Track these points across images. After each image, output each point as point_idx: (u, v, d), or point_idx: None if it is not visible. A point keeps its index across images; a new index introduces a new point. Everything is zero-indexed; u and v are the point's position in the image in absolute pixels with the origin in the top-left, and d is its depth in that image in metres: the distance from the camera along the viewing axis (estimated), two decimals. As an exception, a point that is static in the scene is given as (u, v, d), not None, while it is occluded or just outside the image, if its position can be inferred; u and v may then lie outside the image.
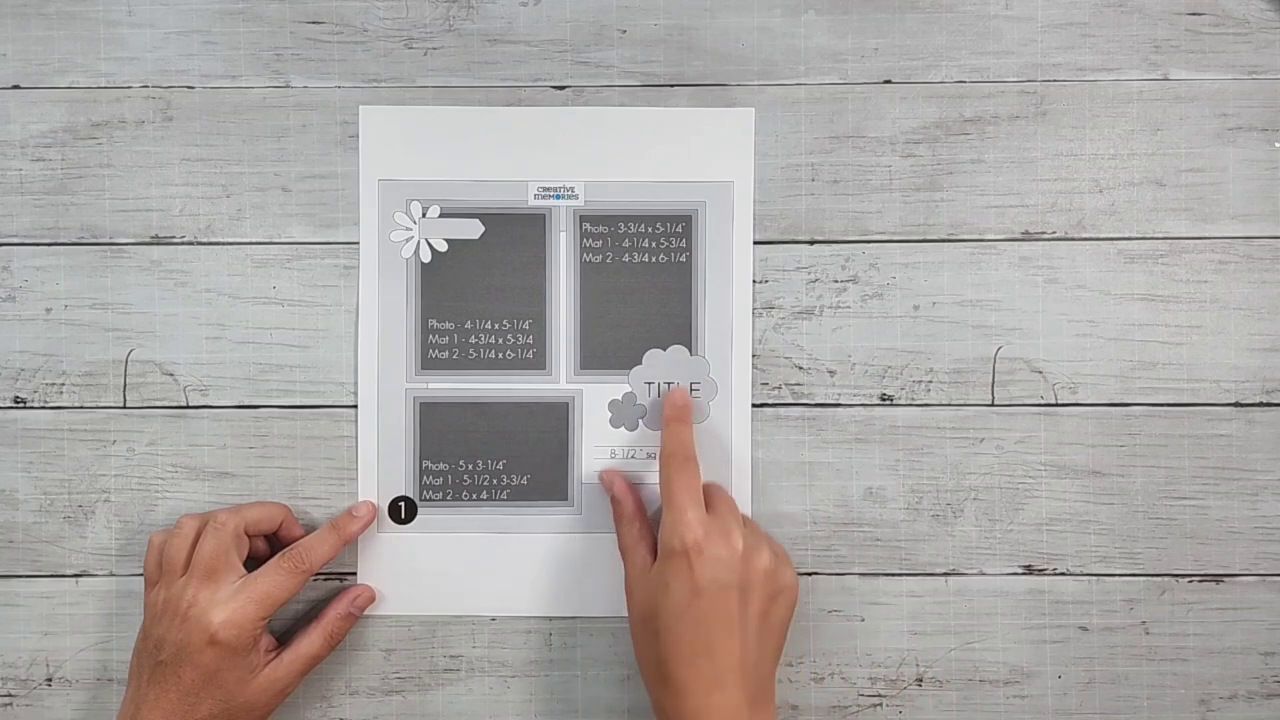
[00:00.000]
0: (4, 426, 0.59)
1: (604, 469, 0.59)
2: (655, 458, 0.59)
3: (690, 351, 0.59)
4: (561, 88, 0.60)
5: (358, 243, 0.59)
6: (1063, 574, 0.59)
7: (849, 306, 0.60)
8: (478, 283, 0.59)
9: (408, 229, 0.59)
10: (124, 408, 0.59)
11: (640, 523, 0.56)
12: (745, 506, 0.59)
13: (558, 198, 0.59)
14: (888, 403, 0.59)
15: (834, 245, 0.60)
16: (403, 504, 0.59)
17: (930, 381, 0.59)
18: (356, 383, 0.59)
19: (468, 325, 0.59)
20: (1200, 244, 0.59)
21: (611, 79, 0.60)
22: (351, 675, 0.59)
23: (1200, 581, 0.59)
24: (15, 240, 0.59)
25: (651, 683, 0.53)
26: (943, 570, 0.59)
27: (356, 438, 0.59)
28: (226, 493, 0.60)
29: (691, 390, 0.59)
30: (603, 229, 0.59)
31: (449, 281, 0.59)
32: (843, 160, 0.60)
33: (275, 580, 0.55)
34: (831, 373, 0.60)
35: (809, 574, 0.59)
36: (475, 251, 0.59)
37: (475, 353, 0.59)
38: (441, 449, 0.59)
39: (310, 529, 0.58)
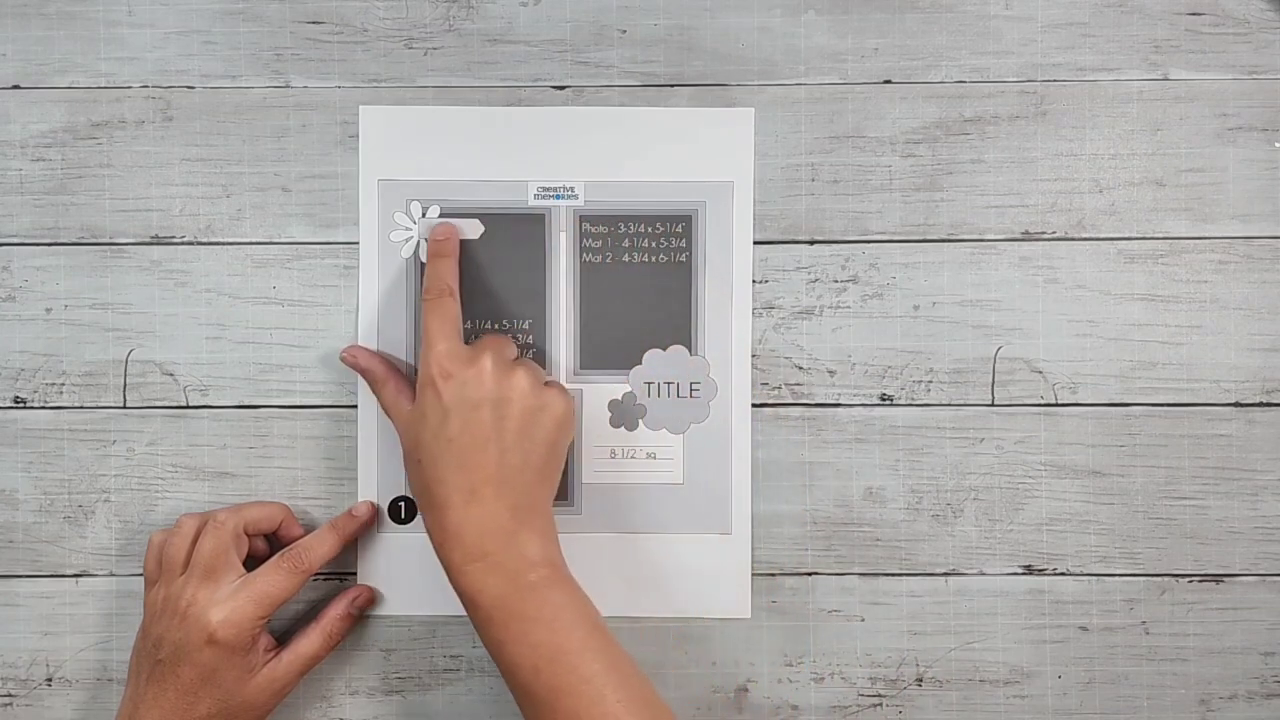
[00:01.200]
0: (4, 426, 0.59)
1: (343, 350, 0.58)
2: (655, 457, 0.59)
3: (690, 351, 0.59)
4: (561, 88, 0.60)
5: (358, 243, 0.59)
6: (1063, 574, 0.59)
7: (849, 306, 0.60)
8: (478, 283, 0.59)
9: (407, 229, 0.59)
10: (124, 408, 0.59)
11: (394, 381, 0.57)
12: (745, 506, 0.59)
13: (558, 198, 0.59)
14: (888, 403, 0.59)
15: (834, 245, 0.60)
16: (403, 504, 0.59)
17: (930, 381, 0.59)
18: (357, 383, 0.59)
19: (468, 325, 0.59)
20: (1200, 244, 0.59)
21: (611, 79, 0.60)
22: (351, 675, 0.59)
23: (1200, 581, 0.59)
24: (15, 240, 0.59)
25: (422, 511, 0.54)
26: (943, 570, 0.59)
27: (356, 438, 0.59)
28: (226, 493, 0.60)
29: (692, 392, 0.59)
30: (602, 229, 0.59)
31: (449, 281, 0.59)
32: (843, 160, 0.60)
33: (274, 580, 0.55)
34: (831, 373, 0.60)
35: (809, 574, 0.59)
36: (475, 251, 0.59)
37: (475, 353, 0.59)
38: (441, 449, 0.59)
39: (310, 529, 0.58)
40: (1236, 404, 0.59)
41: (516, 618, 0.51)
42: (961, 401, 0.59)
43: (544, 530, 0.53)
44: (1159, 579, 0.59)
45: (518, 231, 0.59)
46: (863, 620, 0.59)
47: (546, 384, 0.55)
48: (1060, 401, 0.59)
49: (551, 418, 0.54)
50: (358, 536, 0.58)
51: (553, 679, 0.50)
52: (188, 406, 0.60)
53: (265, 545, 0.58)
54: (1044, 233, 0.59)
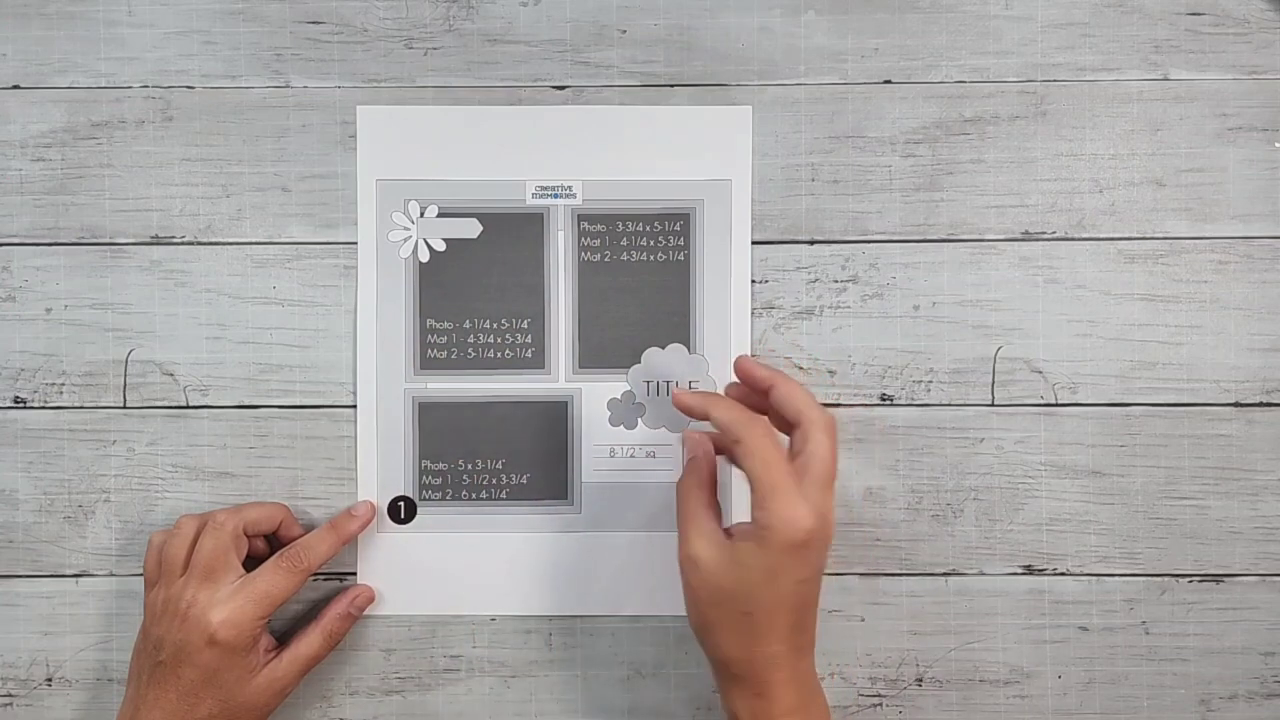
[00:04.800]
0: (4, 426, 0.59)
1: (687, 430, 0.55)
2: (654, 456, 0.59)
3: (689, 350, 0.59)
4: (561, 88, 0.60)
5: (357, 243, 0.59)
6: (1063, 574, 0.59)
7: (849, 306, 0.60)
8: (476, 282, 0.59)
9: (406, 229, 0.59)
10: (124, 408, 0.59)
11: (709, 491, 0.53)
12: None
13: (555, 197, 0.59)
14: (888, 403, 0.59)
15: (834, 245, 0.60)
16: (402, 504, 0.59)
17: (930, 381, 0.59)
18: (356, 383, 0.59)
19: (466, 325, 0.59)
20: (1200, 244, 0.59)
21: (611, 79, 0.60)
22: (351, 675, 0.59)
23: (1200, 581, 0.59)
24: (15, 240, 0.60)
25: (727, 658, 0.51)
26: (943, 570, 0.59)
27: (356, 438, 0.59)
28: (226, 493, 0.60)
29: (691, 390, 0.59)
30: (600, 228, 0.59)
31: (447, 281, 0.59)
32: (843, 160, 0.60)
33: (274, 580, 0.55)
34: (831, 373, 0.59)
35: (809, 574, 0.59)
36: (473, 251, 0.59)
37: (474, 352, 0.59)
38: (441, 449, 0.59)
39: (310, 529, 0.58)
40: (1236, 404, 0.59)
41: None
42: (961, 401, 0.59)
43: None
44: (1159, 579, 0.59)
45: (516, 231, 0.59)
46: (863, 620, 0.59)
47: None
48: (1060, 401, 0.59)
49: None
50: (357, 536, 0.58)
51: None
52: (188, 406, 0.60)
53: (265, 545, 0.58)
54: (1044, 233, 0.59)
